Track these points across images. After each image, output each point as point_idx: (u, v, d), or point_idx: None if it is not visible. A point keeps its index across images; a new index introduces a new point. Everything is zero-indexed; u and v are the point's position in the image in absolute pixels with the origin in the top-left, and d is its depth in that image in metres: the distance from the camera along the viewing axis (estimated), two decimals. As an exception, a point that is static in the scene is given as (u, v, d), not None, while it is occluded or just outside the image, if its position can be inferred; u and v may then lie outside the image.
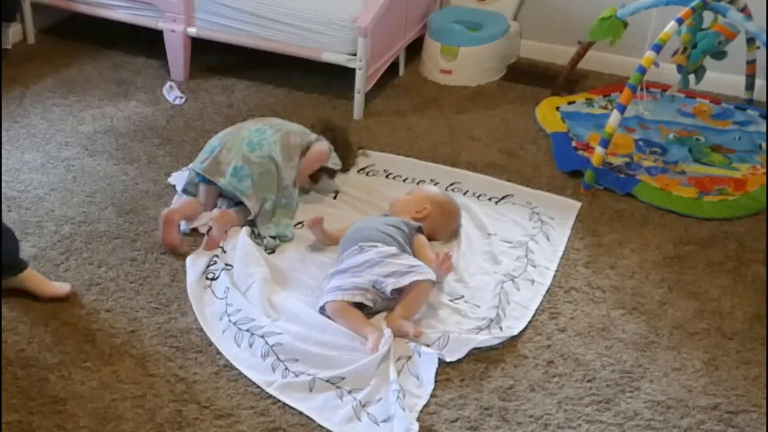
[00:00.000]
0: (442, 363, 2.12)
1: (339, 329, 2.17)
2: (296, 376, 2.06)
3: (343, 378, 2.04)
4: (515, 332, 2.25)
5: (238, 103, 3.40)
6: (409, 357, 2.12)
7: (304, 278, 2.40)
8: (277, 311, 2.26)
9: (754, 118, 3.42)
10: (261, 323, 2.19)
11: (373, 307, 2.25)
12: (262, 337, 2.15)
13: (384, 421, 1.95)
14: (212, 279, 2.38)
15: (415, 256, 2.38)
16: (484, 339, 2.19)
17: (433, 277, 2.25)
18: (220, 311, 2.25)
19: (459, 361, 2.14)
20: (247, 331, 2.17)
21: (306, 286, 2.37)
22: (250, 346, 2.14)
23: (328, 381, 2.03)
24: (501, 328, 2.24)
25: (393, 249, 2.32)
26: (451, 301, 2.34)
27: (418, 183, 2.89)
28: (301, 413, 1.97)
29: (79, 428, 1.90)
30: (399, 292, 2.23)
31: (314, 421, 1.95)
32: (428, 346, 2.15)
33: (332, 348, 2.13)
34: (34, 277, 2.27)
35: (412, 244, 2.43)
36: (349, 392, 2.01)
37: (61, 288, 2.29)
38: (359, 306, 2.23)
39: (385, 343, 2.09)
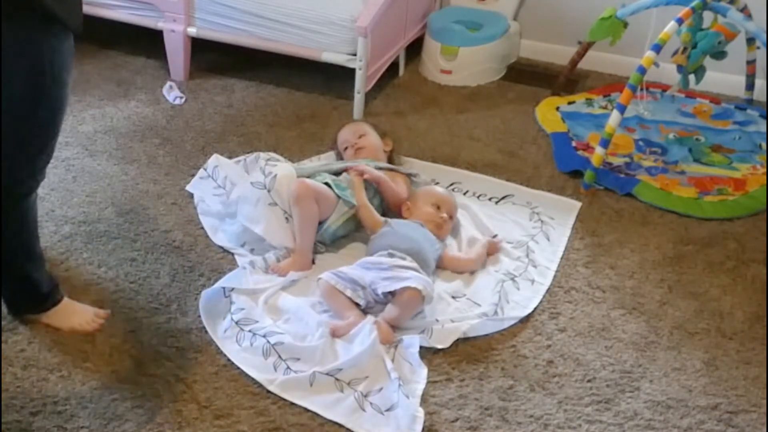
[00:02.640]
0: (432, 350, 2.15)
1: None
2: (297, 374, 2.06)
3: (341, 369, 2.05)
4: (504, 323, 2.26)
5: (238, 103, 3.40)
6: (396, 345, 2.14)
7: (305, 279, 2.41)
8: (277, 312, 2.26)
9: (754, 118, 3.42)
10: (263, 324, 2.19)
11: (364, 306, 2.25)
12: (264, 336, 2.15)
13: (388, 410, 1.96)
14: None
15: (444, 261, 2.45)
16: (469, 327, 2.21)
17: (422, 288, 2.19)
18: (224, 310, 2.25)
19: (459, 361, 2.15)
20: (249, 331, 2.18)
21: (305, 287, 2.37)
22: (251, 345, 2.14)
23: (327, 374, 2.04)
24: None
25: (410, 262, 2.31)
26: (453, 299, 2.35)
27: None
28: (300, 413, 1.97)
29: (79, 428, 1.90)
30: (392, 295, 2.22)
31: (314, 421, 1.96)
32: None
33: (327, 344, 2.14)
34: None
35: (441, 259, 2.46)
36: (348, 384, 2.03)
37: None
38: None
39: (371, 331, 2.11)
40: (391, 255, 2.33)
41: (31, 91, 1.78)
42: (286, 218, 2.46)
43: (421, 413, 1.95)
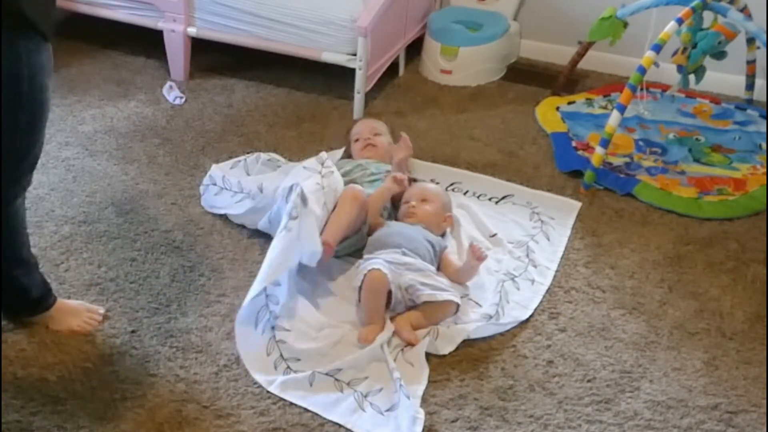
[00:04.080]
0: (437, 356, 2.14)
1: (335, 329, 2.18)
2: (297, 374, 2.06)
3: (341, 369, 2.06)
4: (507, 326, 2.26)
5: (238, 103, 3.40)
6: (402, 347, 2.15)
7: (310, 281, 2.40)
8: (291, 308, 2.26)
9: (754, 118, 3.42)
10: (280, 303, 2.20)
11: (392, 305, 2.24)
12: (273, 329, 2.15)
13: (388, 410, 1.97)
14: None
15: (441, 264, 2.42)
16: (475, 328, 2.21)
17: (459, 302, 2.24)
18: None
19: (459, 361, 2.15)
20: (270, 312, 2.18)
21: (308, 285, 2.37)
22: (263, 332, 2.14)
23: (327, 374, 2.05)
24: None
25: (432, 267, 2.32)
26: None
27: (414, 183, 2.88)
28: (300, 413, 1.97)
29: (79, 428, 1.91)
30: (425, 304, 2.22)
31: (314, 421, 1.96)
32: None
33: (328, 346, 2.14)
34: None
35: (440, 259, 2.44)
36: (348, 384, 2.03)
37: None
38: None
39: (383, 337, 2.11)
40: (405, 253, 2.32)
41: (8, 96, 1.75)
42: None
43: (421, 414, 1.95)
